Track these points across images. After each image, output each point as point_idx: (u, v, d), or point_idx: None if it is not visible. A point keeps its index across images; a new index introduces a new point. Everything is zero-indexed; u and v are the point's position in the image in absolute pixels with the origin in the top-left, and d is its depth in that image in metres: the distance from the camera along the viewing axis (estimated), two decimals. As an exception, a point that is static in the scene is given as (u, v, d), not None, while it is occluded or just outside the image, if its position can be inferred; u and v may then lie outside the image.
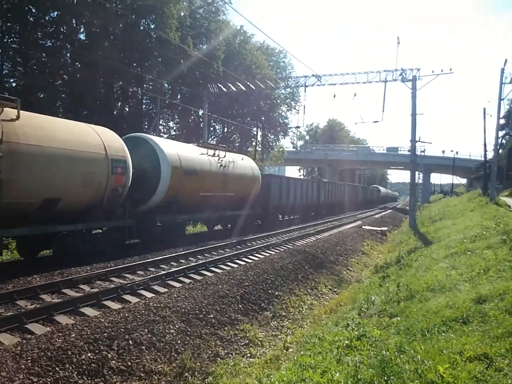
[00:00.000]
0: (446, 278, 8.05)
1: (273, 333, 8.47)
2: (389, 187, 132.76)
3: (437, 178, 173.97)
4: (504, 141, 48.65)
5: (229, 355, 7.24)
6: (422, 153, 51.18)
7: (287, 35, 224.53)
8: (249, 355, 7.31)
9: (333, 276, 13.48)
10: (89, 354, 5.81)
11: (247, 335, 7.97)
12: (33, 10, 21.40)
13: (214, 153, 17.41)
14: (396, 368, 4.43)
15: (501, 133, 43.10)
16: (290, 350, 7.29)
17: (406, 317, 6.50)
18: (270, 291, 10.30)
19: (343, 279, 13.62)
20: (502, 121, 41.04)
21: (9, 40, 21.32)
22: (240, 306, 9.01)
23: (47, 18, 22.59)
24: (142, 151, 14.05)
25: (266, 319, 8.98)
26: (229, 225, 19.93)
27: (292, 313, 9.62)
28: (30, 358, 5.32)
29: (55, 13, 22.56)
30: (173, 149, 14.84)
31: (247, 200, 19.97)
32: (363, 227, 25.81)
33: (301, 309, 10.03)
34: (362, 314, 7.80)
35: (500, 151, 42.68)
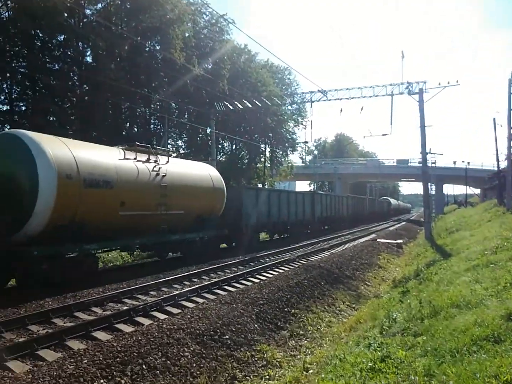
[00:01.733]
0: (471, 293, 7.64)
1: (292, 353, 8.14)
2: (401, 199, 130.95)
3: (450, 189, 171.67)
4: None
5: (247, 377, 6.93)
6: (433, 165, 50.68)
7: (291, 51, 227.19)
8: (267, 377, 7.00)
9: (350, 292, 13.10)
10: (102, 381, 5.57)
11: (265, 356, 7.65)
12: (40, 34, 21.80)
13: (149, 159, 13.57)
14: (427, 396, 4.10)
15: (513, 143, 42.36)
16: (310, 371, 6.94)
17: (432, 336, 6.12)
18: (286, 309, 9.99)
19: (361, 294, 13.22)
20: (513, 131, 40.36)
21: (17, 65, 21.68)
22: (256, 325, 8.71)
23: (54, 42, 23.00)
24: (13, 154, 10.16)
25: (284, 339, 8.65)
26: (180, 252, 16.34)
27: (310, 332, 9.28)
28: (41, 387, 5.10)
29: (62, 36, 22.98)
30: (66, 151, 10.56)
31: (208, 219, 16.01)
32: (378, 240, 25.33)
33: (319, 327, 9.68)
34: (384, 332, 7.42)
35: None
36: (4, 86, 21.78)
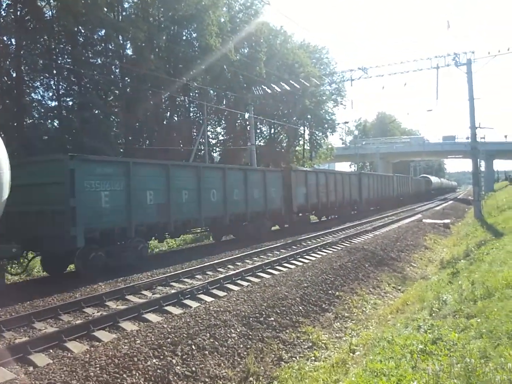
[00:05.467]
0: (528, 273, 7.33)
1: (337, 335, 8.13)
2: (447, 177, 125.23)
3: (501, 165, 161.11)
4: None
5: (293, 358, 7.01)
6: (483, 139, 48.09)
7: (328, 29, 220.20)
8: (313, 358, 7.05)
9: (396, 274, 12.83)
10: (154, 360, 5.82)
11: (310, 337, 7.70)
12: (82, 31, 22.44)
13: None
14: (483, 378, 3.99)
15: None
16: (357, 353, 6.92)
17: (487, 318, 5.95)
18: (330, 292, 9.95)
19: (407, 276, 12.93)
20: None
21: (63, 61, 22.50)
22: (300, 307, 8.75)
23: (95, 37, 23.62)
24: None
25: (329, 321, 8.65)
26: None
27: (355, 314, 9.22)
28: (98, 365, 5.40)
29: (103, 31, 23.55)
30: None
31: None
32: (424, 220, 24.56)
33: (364, 309, 9.59)
34: (434, 314, 7.26)
35: None
36: (52, 83, 22.72)
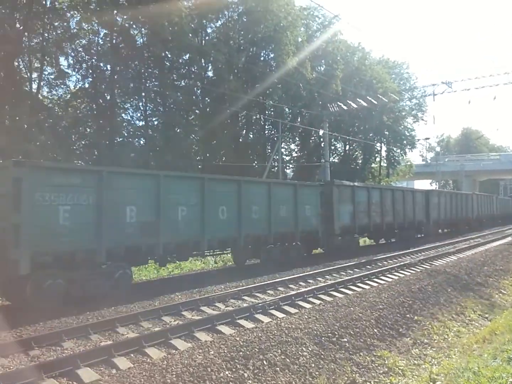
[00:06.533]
0: None
1: (416, 361, 7.65)
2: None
3: None
4: None
5: (367, 382, 6.73)
6: None
7: (410, 43, 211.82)
8: (389, 384, 6.71)
9: (482, 300, 11.81)
10: (227, 372, 5.92)
11: (386, 362, 7.33)
12: (169, 55, 24.17)
13: None
14: None
15: None
16: (438, 383, 6.47)
17: None
18: (408, 315, 9.44)
19: (496, 303, 11.83)
20: None
21: (151, 84, 24.37)
22: (375, 330, 8.41)
23: (180, 61, 25.30)
24: None
25: (406, 346, 8.18)
26: None
27: (436, 341, 8.62)
28: (174, 373, 5.61)
29: (187, 55, 25.15)
30: None
31: None
32: (516, 244, 22.38)
33: (446, 337, 8.94)
34: (527, 346, 6.59)
35: None
36: (140, 104, 24.69)
